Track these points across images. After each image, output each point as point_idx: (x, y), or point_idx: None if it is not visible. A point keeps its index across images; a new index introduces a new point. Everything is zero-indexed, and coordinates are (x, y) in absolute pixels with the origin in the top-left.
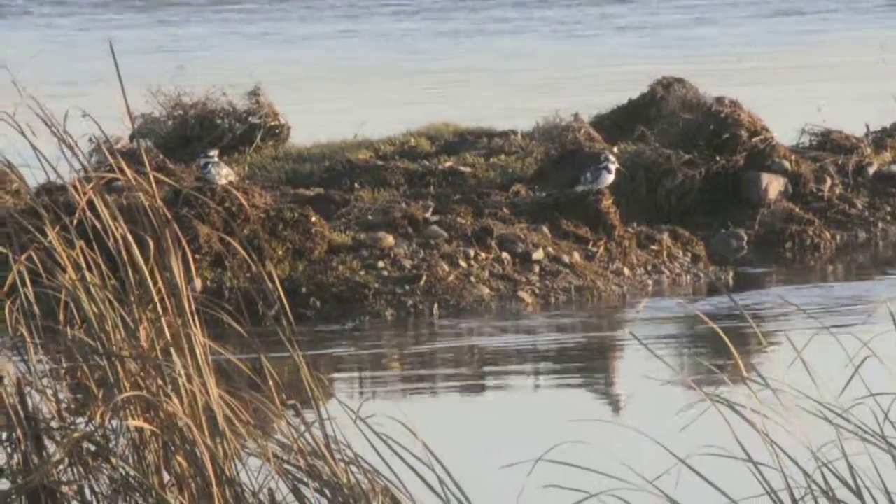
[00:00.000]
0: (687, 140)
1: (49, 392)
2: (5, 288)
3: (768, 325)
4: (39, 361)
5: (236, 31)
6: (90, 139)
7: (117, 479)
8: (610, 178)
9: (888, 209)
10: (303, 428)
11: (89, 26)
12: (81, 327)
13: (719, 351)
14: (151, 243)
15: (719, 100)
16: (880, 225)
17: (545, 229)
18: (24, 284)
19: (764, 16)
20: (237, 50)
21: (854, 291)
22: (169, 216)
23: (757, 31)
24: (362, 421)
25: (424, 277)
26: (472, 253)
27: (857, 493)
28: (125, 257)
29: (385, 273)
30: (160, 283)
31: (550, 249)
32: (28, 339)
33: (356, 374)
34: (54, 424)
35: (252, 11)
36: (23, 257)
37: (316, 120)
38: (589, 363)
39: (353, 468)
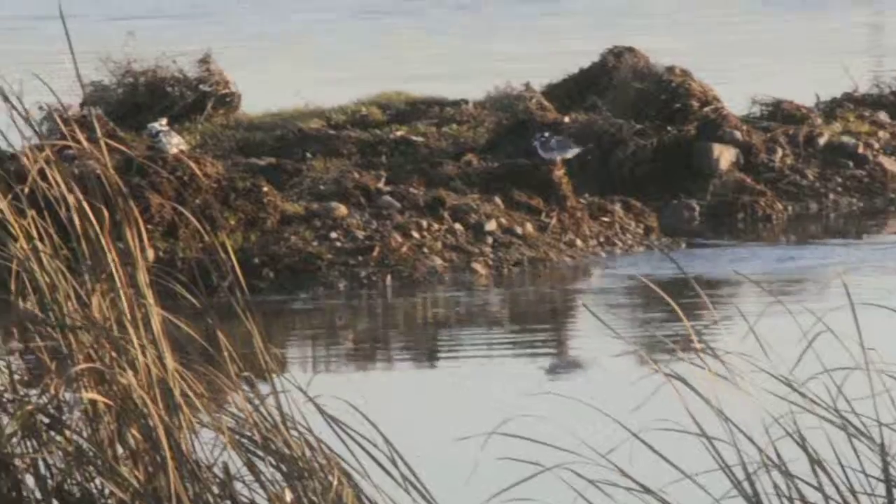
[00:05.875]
0: (638, 110)
1: (1, 364)
2: None
3: (721, 297)
4: None
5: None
6: (40, 107)
7: (71, 452)
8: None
9: (839, 180)
10: (257, 401)
11: None
12: (34, 298)
13: (672, 323)
14: (105, 212)
15: (670, 69)
16: (831, 196)
17: (498, 200)
18: None
19: None
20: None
21: (807, 263)
22: (122, 185)
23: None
24: (312, 402)
25: (377, 248)
26: (424, 224)
27: (811, 467)
28: (78, 227)
29: (338, 244)
30: (113, 254)
31: (503, 220)
32: None
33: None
34: (7, 396)
35: None
36: None
37: (266, 88)
38: (542, 334)
39: (309, 440)
